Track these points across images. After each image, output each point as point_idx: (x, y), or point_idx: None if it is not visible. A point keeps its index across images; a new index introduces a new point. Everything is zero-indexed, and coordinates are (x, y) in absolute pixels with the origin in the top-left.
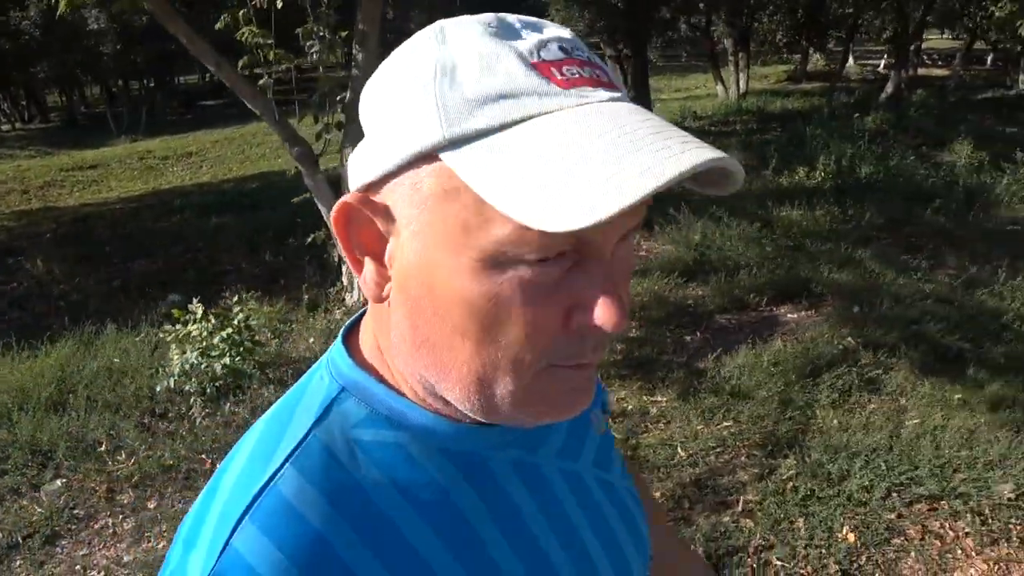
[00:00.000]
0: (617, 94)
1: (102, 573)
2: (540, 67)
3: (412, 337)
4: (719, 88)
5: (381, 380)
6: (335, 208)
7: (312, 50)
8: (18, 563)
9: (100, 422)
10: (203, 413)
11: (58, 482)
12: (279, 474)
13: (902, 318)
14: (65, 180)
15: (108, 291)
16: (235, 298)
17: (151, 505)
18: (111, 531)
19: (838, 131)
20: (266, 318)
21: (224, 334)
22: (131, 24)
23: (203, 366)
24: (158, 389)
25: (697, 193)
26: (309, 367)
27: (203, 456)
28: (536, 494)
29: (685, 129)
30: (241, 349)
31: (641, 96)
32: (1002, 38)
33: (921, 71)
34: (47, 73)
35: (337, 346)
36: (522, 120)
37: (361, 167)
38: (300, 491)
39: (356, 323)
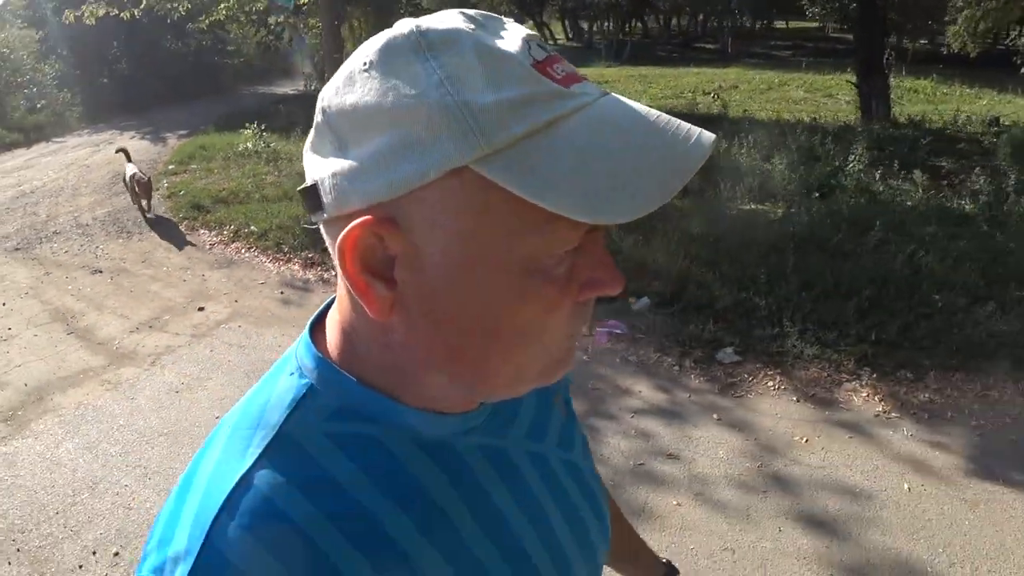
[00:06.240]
0: (599, 87)
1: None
2: (539, 68)
3: (435, 347)
4: None
5: (350, 374)
6: (344, 236)
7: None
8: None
9: (218, 156)
10: (240, 159)
11: (195, 165)
12: (253, 469)
13: None
14: None
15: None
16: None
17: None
18: (202, 170)
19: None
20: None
21: (255, 134)
22: None
23: (250, 145)
24: (238, 149)
25: None
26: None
27: (230, 174)
28: (506, 478)
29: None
30: (262, 142)
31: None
32: None
33: None
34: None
35: (304, 341)
36: (549, 123)
37: (359, 185)
38: (276, 486)
39: (320, 318)
